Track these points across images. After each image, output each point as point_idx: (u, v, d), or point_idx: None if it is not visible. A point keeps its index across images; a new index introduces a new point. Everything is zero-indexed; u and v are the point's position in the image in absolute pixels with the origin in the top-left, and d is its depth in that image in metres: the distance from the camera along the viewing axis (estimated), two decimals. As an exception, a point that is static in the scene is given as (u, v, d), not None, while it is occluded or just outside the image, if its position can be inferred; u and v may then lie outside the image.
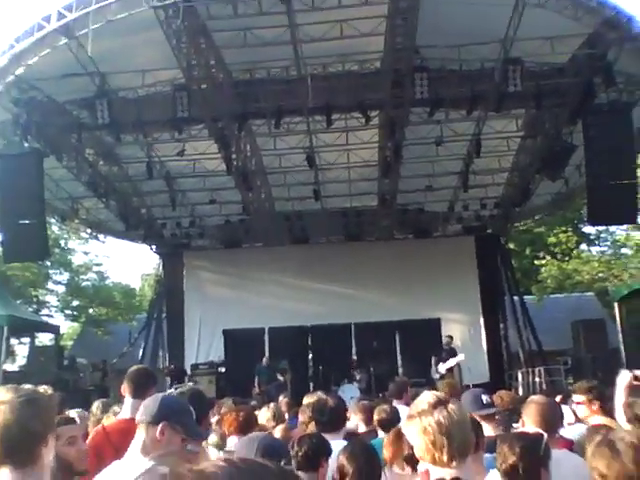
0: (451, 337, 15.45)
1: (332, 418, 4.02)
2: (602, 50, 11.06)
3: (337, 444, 3.45)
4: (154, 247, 20.52)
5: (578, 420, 5.26)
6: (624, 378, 4.77)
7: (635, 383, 4.88)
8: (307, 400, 5.82)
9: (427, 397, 2.09)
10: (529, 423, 3.61)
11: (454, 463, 1.96)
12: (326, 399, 4.16)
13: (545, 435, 2.88)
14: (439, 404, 2.03)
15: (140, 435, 2.56)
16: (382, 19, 10.88)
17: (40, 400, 2.10)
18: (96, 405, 5.25)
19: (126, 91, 12.47)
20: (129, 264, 73.78)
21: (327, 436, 3.62)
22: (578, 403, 4.52)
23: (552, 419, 3.56)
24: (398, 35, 10.85)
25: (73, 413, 5.91)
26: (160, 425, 2.53)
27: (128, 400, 3.61)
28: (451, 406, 2.03)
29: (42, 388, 3.49)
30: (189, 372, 16.90)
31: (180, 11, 9.74)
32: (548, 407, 3.67)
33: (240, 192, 16.42)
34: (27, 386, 2.42)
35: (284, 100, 12.64)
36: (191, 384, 11.62)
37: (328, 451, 3.36)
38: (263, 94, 12.65)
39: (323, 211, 18.23)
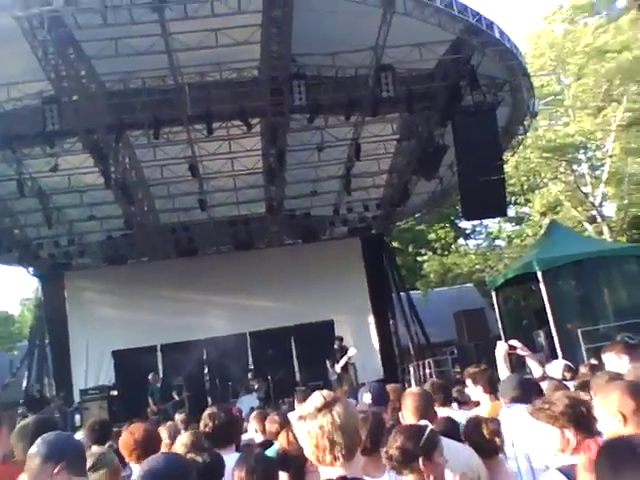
0: (341, 338, 15.66)
1: (223, 431, 3.88)
2: (466, 55, 11.75)
3: (231, 458, 3.36)
4: (31, 269, 19.34)
5: (461, 406, 5.60)
6: (501, 349, 5.19)
7: (510, 352, 5.32)
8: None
9: (315, 400, 2.08)
10: (406, 413, 3.81)
11: (338, 463, 1.99)
12: (216, 412, 4.04)
13: (430, 426, 3.05)
14: (325, 407, 2.02)
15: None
16: (257, 28, 10.93)
17: None
18: None
19: (-10, 106, 11.72)
20: (6, 289, 68.94)
21: (220, 451, 3.52)
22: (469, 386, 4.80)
23: (425, 407, 3.80)
24: (273, 44, 10.92)
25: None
26: (59, 465, 2.47)
27: None
28: (337, 409, 2.01)
29: None
30: (78, 399, 16.08)
31: (45, 22, 9.28)
32: (420, 397, 3.89)
33: (121, 206, 15.86)
34: None
35: (162, 110, 12.40)
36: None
37: (222, 471, 3.23)
38: (139, 104, 12.31)
39: (210, 221, 18.01)
